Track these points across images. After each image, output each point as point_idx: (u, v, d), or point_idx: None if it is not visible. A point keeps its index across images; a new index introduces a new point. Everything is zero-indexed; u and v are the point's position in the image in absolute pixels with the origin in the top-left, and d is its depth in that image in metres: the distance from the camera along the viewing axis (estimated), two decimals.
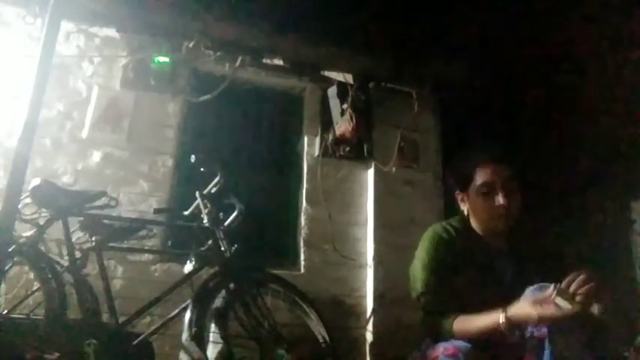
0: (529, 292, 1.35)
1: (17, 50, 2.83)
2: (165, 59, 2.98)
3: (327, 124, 3.29)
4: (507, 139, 3.65)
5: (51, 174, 2.68)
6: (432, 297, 1.55)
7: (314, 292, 2.53)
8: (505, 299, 1.36)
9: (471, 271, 1.55)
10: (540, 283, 1.35)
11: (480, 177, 1.57)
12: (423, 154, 3.42)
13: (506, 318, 1.31)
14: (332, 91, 3.26)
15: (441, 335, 1.46)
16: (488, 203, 1.55)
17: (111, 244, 2.17)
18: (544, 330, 1.29)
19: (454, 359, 1.32)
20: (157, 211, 2.48)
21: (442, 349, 1.36)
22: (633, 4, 2.96)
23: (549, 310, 1.23)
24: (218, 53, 3.04)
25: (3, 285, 2.13)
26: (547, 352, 1.28)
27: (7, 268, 1.99)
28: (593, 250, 3.58)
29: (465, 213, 1.66)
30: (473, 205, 1.60)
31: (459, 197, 1.67)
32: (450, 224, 1.66)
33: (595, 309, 1.25)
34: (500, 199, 1.53)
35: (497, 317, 1.34)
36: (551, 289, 1.26)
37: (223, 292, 2.09)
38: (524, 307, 1.28)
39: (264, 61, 3.20)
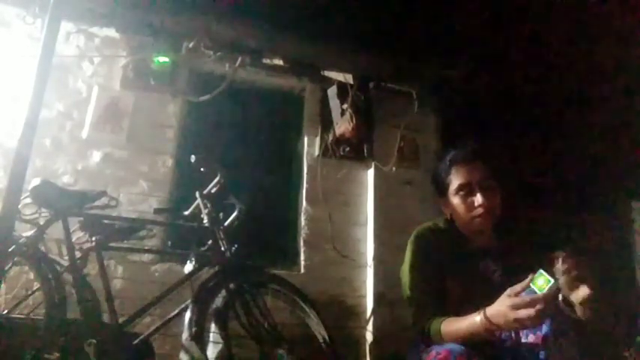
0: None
1: (17, 50, 2.83)
2: (165, 59, 2.98)
3: (327, 124, 3.29)
4: (507, 139, 3.65)
5: (51, 174, 2.68)
6: (420, 300, 1.55)
7: (314, 292, 2.53)
8: (494, 299, 1.35)
9: (458, 272, 1.55)
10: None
11: (456, 179, 1.59)
12: (423, 154, 3.41)
13: (486, 318, 1.30)
14: (332, 91, 3.26)
15: (430, 338, 1.46)
16: (466, 204, 1.57)
17: (111, 244, 2.16)
18: (539, 334, 1.27)
19: None
20: (157, 211, 2.48)
21: (434, 352, 1.35)
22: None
23: (525, 312, 1.19)
24: (218, 53, 3.03)
25: (3, 285, 2.13)
26: (542, 355, 1.27)
27: (7, 268, 1.99)
28: (593, 250, 3.58)
29: (449, 217, 1.66)
30: (453, 207, 1.61)
31: (441, 202, 1.69)
32: (436, 225, 1.67)
33: (578, 310, 1.23)
34: (478, 199, 1.54)
35: (476, 318, 1.33)
36: (526, 281, 1.24)
37: (223, 292, 2.09)
38: (501, 307, 1.26)
39: (264, 61, 3.20)
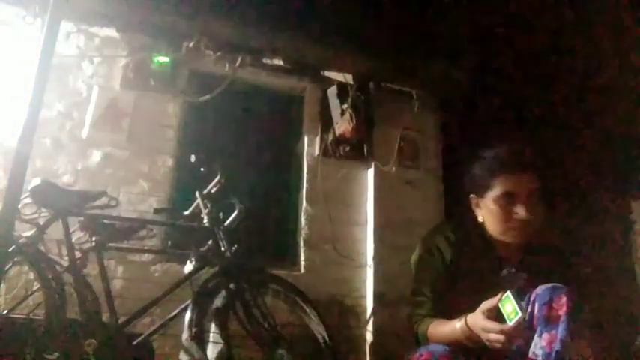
0: (540, 290, 1.31)
1: (17, 50, 2.83)
2: (166, 59, 2.98)
3: (327, 124, 3.29)
4: (506, 139, 3.65)
5: (51, 174, 2.68)
6: (417, 297, 1.52)
7: (314, 292, 2.53)
8: None
9: (475, 277, 1.49)
10: (553, 284, 1.30)
11: (502, 186, 1.45)
12: (423, 154, 3.41)
13: (467, 325, 1.29)
14: (332, 91, 3.26)
15: (418, 338, 1.45)
16: (506, 215, 1.44)
17: (111, 244, 2.17)
18: (555, 333, 1.23)
19: None
20: (157, 211, 2.48)
21: (418, 354, 1.33)
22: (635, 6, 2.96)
23: (495, 337, 1.20)
24: (218, 53, 3.04)
25: (3, 285, 2.13)
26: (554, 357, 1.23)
27: (7, 268, 1.99)
28: (594, 251, 3.58)
29: (480, 219, 1.55)
30: (489, 213, 1.49)
31: (474, 202, 1.55)
32: (458, 225, 1.58)
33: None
34: (521, 212, 1.42)
35: (457, 324, 1.32)
36: (495, 301, 1.24)
37: (223, 292, 2.09)
38: (477, 322, 1.25)
39: (264, 61, 3.20)
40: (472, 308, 1.34)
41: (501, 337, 1.19)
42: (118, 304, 2.08)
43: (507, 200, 1.44)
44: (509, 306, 1.20)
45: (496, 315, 1.24)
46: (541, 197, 1.46)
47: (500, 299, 1.23)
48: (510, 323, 1.18)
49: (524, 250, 1.53)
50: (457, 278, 1.50)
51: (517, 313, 1.17)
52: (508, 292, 1.21)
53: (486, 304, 1.26)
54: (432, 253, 1.54)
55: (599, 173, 3.90)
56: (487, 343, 1.24)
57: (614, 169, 3.94)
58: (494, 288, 1.43)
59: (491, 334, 1.21)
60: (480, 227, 1.55)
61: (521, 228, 1.44)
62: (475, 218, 1.56)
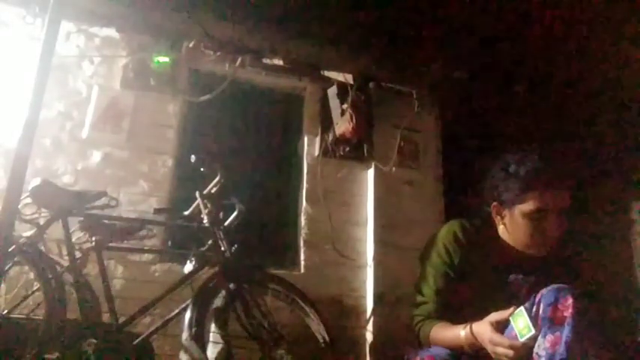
0: (545, 291, 1.28)
1: (17, 50, 2.83)
2: (166, 59, 2.98)
3: (327, 124, 3.29)
4: (506, 139, 3.65)
5: (51, 174, 2.68)
6: (418, 300, 1.51)
7: (314, 292, 2.53)
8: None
9: (483, 280, 1.47)
10: (559, 285, 1.28)
11: (536, 201, 1.39)
12: (423, 154, 3.41)
13: (472, 333, 1.28)
14: (332, 91, 3.26)
15: (420, 340, 1.44)
16: (536, 231, 1.41)
17: (111, 244, 2.17)
18: (559, 334, 1.20)
19: None
20: (157, 211, 2.48)
21: (419, 357, 1.34)
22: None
23: (502, 351, 1.19)
24: (218, 53, 3.04)
25: (3, 285, 2.13)
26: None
27: (7, 268, 1.99)
28: (593, 251, 3.58)
29: (500, 227, 1.52)
30: (515, 225, 1.45)
31: (495, 210, 1.51)
32: (470, 226, 1.55)
33: None
34: (552, 230, 1.39)
35: (461, 332, 1.31)
36: (506, 315, 1.23)
37: (223, 292, 2.09)
38: (485, 332, 1.24)
39: (264, 61, 3.20)
40: (476, 312, 1.32)
41: (510, 352, 1.18)
42: (118, 304, 2.08)
43: (539, 216, 1.40)
44: (522, 322, 1.18)
45: (503, 326, 1.24)
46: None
47: (512, 313, 1.22)
48: (522, 340, 1.17)
49: (536, 257, 1.51)
50: (463, 280, 1.48)
51: (530, 330, 1.16)
52: (522, 308, 1.20)
53: (496, 316, 1.24)
54: (439, 252, 1.52)
55: (599, 173, 3.90)
56: (493, 355, 1.23)
57: (615, 169, 3.94)
58: (501, 294, 1.44)
59: (499, 347, 1.20)
60: (495, 232, 1.52)
61: (547, 244, 1.43)
62: (489, 222, 1.54)
